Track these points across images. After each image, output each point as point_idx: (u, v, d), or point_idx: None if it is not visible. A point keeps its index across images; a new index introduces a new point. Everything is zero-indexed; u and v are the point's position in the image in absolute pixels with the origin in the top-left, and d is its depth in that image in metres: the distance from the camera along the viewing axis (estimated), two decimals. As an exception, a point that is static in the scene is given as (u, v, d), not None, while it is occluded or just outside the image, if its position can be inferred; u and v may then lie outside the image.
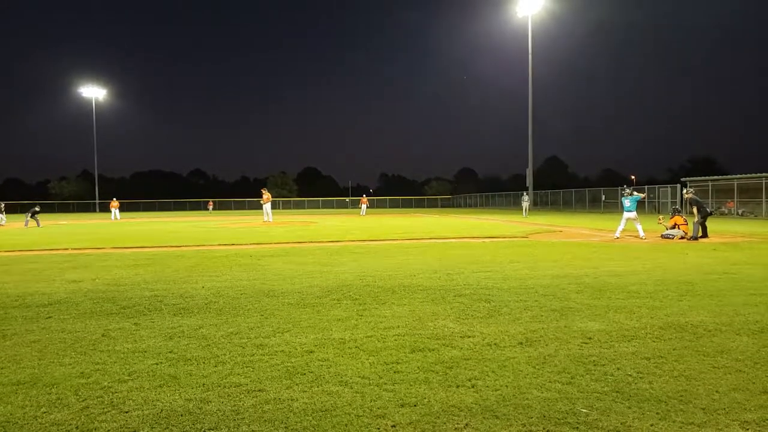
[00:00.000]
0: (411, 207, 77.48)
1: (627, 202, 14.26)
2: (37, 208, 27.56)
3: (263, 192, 28.19)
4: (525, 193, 42.47)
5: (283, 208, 76.65)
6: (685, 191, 16.32)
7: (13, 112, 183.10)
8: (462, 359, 4.01)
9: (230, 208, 76.15)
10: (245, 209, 74.51)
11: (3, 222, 29.55)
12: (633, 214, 14.31)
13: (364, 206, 45.67)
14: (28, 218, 26.69)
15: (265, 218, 27.26)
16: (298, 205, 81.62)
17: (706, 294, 6.46)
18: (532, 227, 20.93)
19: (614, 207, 43.92)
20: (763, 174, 30.31)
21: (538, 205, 53.25)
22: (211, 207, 69.89)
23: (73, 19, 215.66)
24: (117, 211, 37.80)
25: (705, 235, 14.74)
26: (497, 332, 4.76)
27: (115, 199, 39.52)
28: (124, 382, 3.58)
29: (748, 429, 2.85)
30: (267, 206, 27.42)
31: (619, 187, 43.71)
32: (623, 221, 14.57)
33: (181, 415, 3.05)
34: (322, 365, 3.90)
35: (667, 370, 3.74)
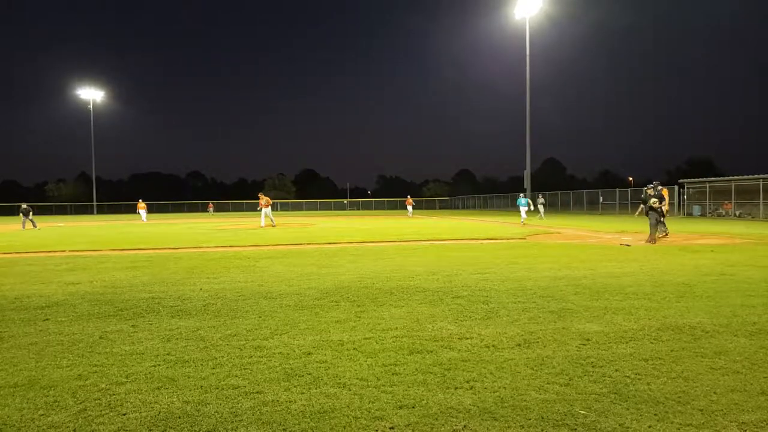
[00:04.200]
0: (406, 208, 77.39)
1: (523, 201, 25.00)
2: (24, 206, 27.09)
3: (261, 196, 25.75)
4: (540, 195, 39.51)
5: (281, 210, 76.61)
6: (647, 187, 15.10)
7: (11, 113, 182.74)
8: (460, 361, 4.01)
9: (228, 210, 76.17)
10: (243, 210, 74.45)
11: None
12: (525, 208, 25.64)
13: (410, 207, 43.83)
14: (24, 220, 26.48)
15: (269, 222, 25.53)
16: (296, 207, 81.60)
17: (704, 295, 6.47)
18: (530, 229, 20.94)
19: (612, 209, 44.05)
20: (761, 176, 30.40)
21: (536, 207, 53.19)
22: (211, 209, 69.92)
23: (70, 21, 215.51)
24: (144, 212, 37.45)
25: (659, 237, 14.09)
26: (495, 334, 4.76)
27: (141, 200, 39.25)
28: (122, 384, 3.57)
29: (746, 430, 2.85)
30: (267, 210, 25.42)
31: (618, 189, 44.20)
32: (523, 213, 25.45)
33: (179, 417, 3.04)
34: (320, 367, 3.90)
35: (665, 371, 3.75)
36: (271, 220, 25.92)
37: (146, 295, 6.88)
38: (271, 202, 25.87)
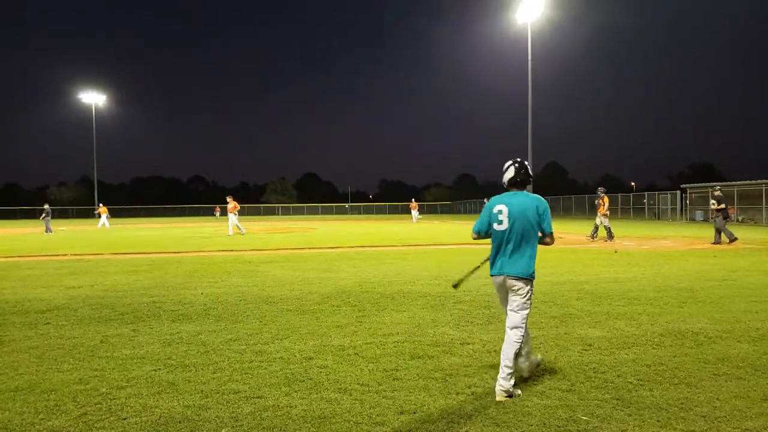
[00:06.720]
0: (411, 213, 77.45)
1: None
2: (45, 206, 27.01)
3: (229, 200, 21.49)
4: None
5: (282, 214, 76.73)
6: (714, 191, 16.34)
7: (13, 117, 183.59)
8: (461, 366, 3.99)
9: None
10: (245, 214, 74.53)
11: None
12: (415, 212, 38.53)
13: (414, 212, 40.47)
14: (46, 221, 26.29)
15: (230, 231, 21.22)
16: (298, 211, 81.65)
17: (707, 301, 6.44)
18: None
19: (613, 213, 43.95)
20: (763, 181, 30.32)
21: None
22: (218, 213, 69.87)
23: (70, 22, 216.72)
24: (105, 217, 34.78)
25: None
26: (497, 339, 4.74)
27: (101, 204, 36.48)
28: (123, 389, 3.57)
29: (749, 437, 2.83)
30: (233, 216, 21.29)
31: (620, 194, 44.22)
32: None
33: (180, 422, 3.03)
34: (321, 372, 3.89)
35: (668, 377, 3.73)
36: (239, 228, 21.50)
37: (147, 299, 6.88)
38: (239, 207, 21.81)
